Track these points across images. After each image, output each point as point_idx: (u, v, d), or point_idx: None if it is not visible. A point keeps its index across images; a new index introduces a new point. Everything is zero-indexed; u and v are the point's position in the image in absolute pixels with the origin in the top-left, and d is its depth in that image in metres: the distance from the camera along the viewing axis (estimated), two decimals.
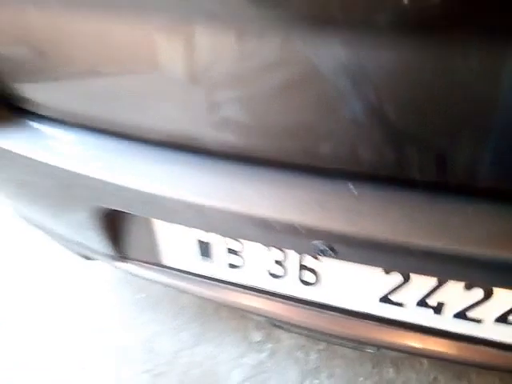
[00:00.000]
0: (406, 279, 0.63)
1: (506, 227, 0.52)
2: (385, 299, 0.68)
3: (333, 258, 0.58)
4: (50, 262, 1.49)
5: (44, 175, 0.71)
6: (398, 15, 0.43)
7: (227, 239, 0.71)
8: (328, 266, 0.67)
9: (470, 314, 0.64)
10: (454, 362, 0.76)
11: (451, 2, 0.41)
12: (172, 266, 0.80)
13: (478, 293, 0.61)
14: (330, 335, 0.76)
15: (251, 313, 0.82)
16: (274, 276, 0.72)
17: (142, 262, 0.83)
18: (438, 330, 0.67)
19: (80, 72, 0.64)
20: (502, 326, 0.63)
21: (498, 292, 0.60)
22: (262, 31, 0.50)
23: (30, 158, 0.68)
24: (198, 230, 0.71)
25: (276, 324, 0.91)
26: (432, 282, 0.61)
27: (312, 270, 0.68)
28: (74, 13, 0.58)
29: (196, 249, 0.75)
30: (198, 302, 1.33)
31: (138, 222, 0.75)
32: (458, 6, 0.41)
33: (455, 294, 0.62)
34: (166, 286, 0.86)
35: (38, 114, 0.72)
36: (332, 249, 0.58)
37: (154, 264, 0.82)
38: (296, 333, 1.08)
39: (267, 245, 0.68)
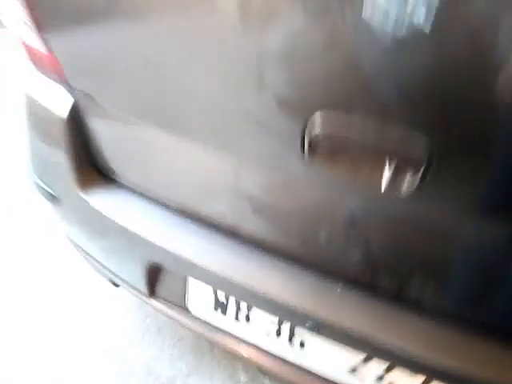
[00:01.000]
0: (368, 359, 0.85)
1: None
2: (352, 371, 0.89)
3: (317, 334, 0.80)
4: (70, 280, 1.71)
5: (114, 230, 0.95)
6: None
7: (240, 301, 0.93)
8: (313, 338, 0.89)
9: None
10: None
11: None
12: (193, 311, 1.02)
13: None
14: None
15: (245, 361, 1.03)
16: (269, 335, 0.94)
17: (169, 302, 1.05)
18: None
19: (159, 166, 0.90)
20: None
21: None
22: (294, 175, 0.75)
23: (108, 217, 0.93)
24: (221, 291, 0.94)
25: (262, 372, 1.11)
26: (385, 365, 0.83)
27: (299, 338, 0.90)
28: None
29: (214, 302, 0.98)
30: (195, 336, 1.53)
31: (176, 273, 0.98)
32: None
33: (403, 376, 0.84)
34: (183, 325, 1.08)
35: (121, 184, 0.98)
36: (317, 328, 0.80)
37: (179, 306, 1.04)
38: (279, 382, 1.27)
39: (270, 313, 0.90)
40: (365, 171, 0.64)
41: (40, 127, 1.09)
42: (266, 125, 0.70)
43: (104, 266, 1.16)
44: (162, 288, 1.04)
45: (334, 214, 0.74)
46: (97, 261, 1.17)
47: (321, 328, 0.79)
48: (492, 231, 0.63)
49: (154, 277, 1.01)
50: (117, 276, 1.14)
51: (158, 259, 0.95)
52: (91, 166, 0.99)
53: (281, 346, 0.93)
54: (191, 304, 1.01)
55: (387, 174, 0.62)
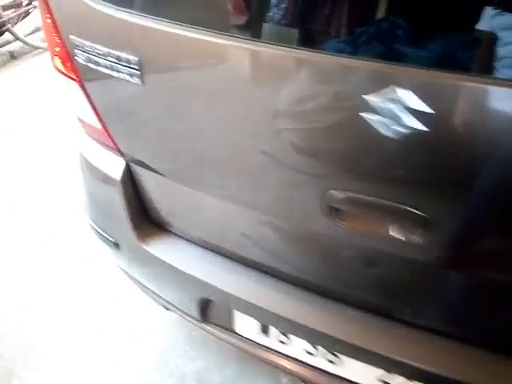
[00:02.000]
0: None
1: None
2: (381, 379, 1.06)
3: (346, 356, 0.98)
4: (123, 297, 1.92)
5: (170, 271, 1.13)
6: None
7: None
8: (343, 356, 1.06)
9: None
10: None
11: None
12: (240, 333, 1.21)
13: None
14: None
15: (287, 371, 1.21)
16: (309, 353, 1.11)
17: (219, 326, 1.23)
18: None
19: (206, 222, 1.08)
20: None
21: None
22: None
23: (165, 261, 1.11)
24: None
25: (301, 380, 1.30)
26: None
27: (334, 354, 1.08)
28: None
29: (258, 327, 1.15)
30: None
31: (223, 305, 1.16)
32: None
33: None
34: (231, 344, 1.26)
35: (173, 233, 1.16)
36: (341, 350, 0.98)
37: (227, 329, 1.22)
38: None
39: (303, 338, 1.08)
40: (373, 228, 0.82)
41: (96, 185, 1.27)
42: (292, 191, 0.89)
43: (160, 296, 1.35)
44: (212, 315, 1.22)
45: (354, 259, 0.91)
46: (153, 292, 1.36)
47: (350, 352, 0.96)
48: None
49: (204, 307, 1.19)
50: (171, 304, 1.33)
51: (207, 295, 1.14)
52: (147, 219, 1.17)
53: (317, 361, 1.11)
54: (238, 328, 1.20)
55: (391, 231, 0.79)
